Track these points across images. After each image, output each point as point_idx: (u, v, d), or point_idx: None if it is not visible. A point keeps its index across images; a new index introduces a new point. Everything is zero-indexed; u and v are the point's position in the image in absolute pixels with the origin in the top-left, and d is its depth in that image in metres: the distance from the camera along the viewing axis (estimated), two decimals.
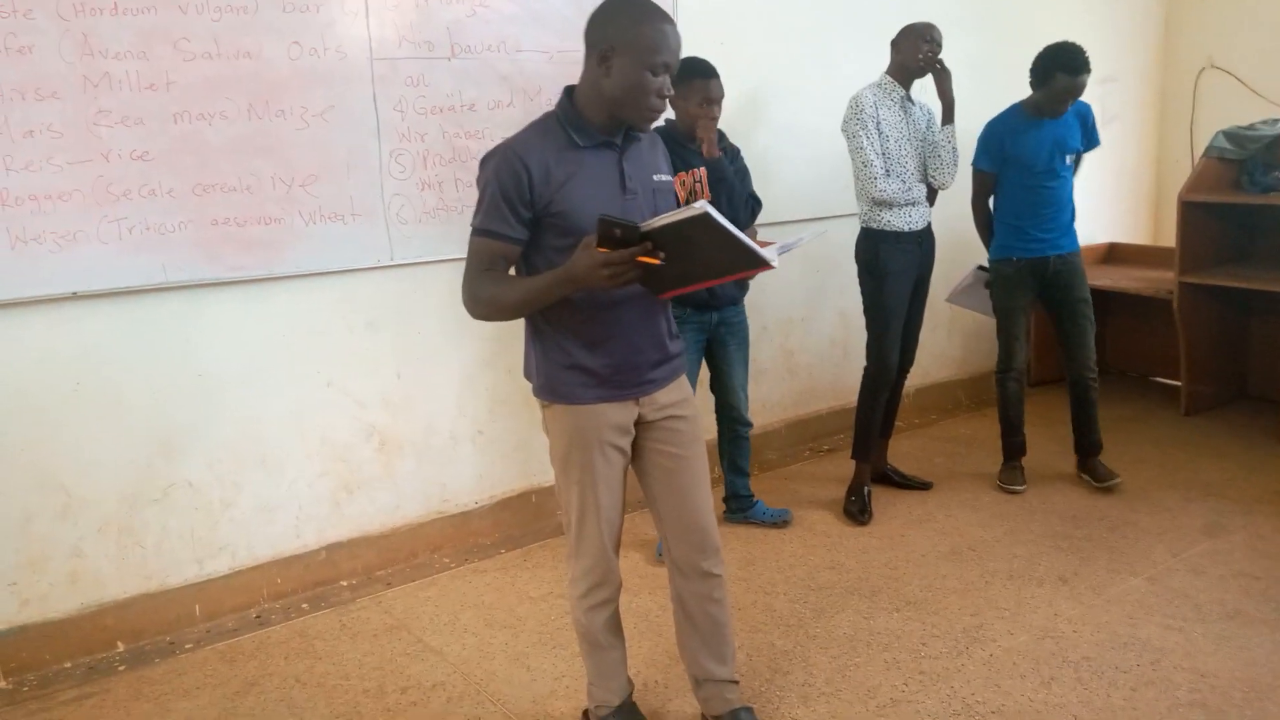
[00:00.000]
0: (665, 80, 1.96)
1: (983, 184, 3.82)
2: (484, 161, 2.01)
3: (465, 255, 3.12)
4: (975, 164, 3.81)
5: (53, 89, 2.62)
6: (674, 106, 3.20)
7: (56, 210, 2.66)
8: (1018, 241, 3.74)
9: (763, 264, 1.87)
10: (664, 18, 1.95)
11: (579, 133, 2.00)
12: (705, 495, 2.22)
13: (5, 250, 2.61)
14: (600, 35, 1.95)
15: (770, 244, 2.01)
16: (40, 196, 2.64)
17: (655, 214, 2.08)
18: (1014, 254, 3.76)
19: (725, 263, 1.91)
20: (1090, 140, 3.77)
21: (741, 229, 3.17)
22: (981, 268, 3.97)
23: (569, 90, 2.05)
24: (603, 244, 1.81)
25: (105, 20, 2.66)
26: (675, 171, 3.07)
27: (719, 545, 2.24)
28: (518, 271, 2.06)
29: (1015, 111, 3.75)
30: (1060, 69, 3.52)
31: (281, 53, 2.92)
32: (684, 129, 3.21)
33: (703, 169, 3.20)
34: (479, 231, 1.99)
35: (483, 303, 2.00)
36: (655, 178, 2.13)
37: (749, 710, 2.35)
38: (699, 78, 3.14)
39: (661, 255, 1.81)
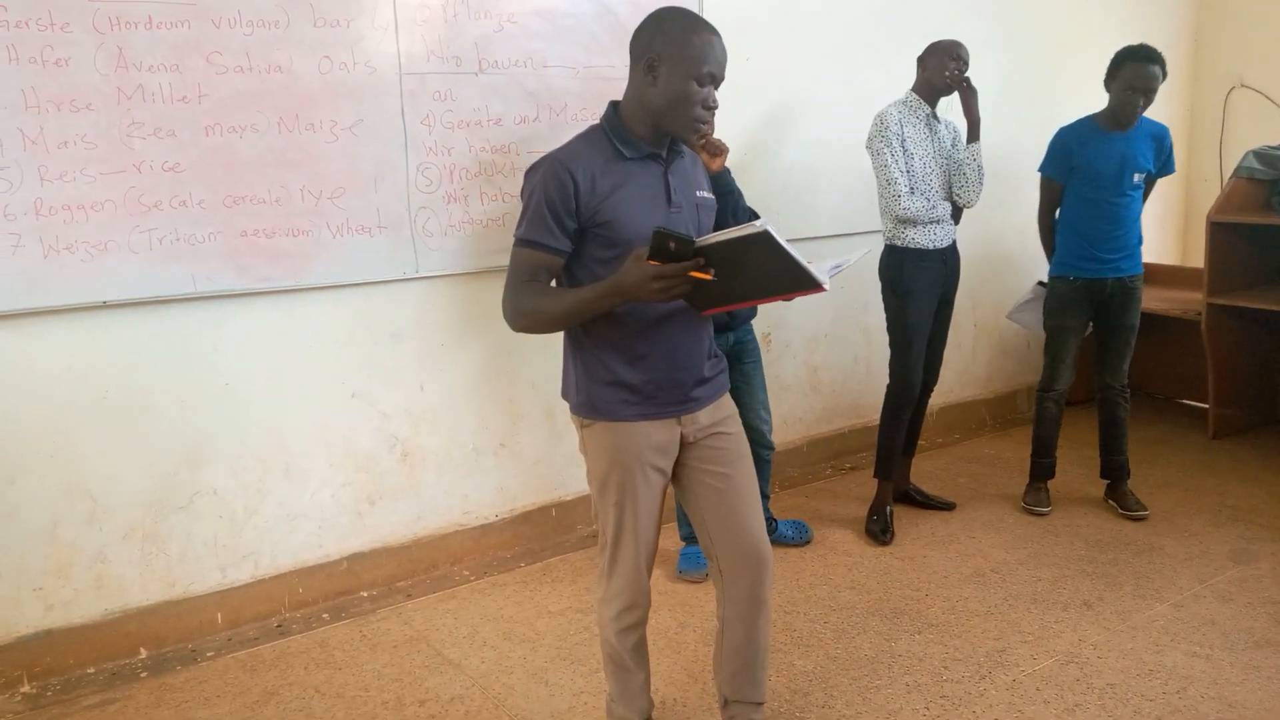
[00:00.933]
0: (711, 91, 1.97)
1: (1049, 192, 3.76)
2: (530, 172, 2.01)
3: (489, 268, 3.12)
4: (1041, 170, 3.77)
5: (87, 101, 2.65)
6: None
7: (89, 220, 2.70)
8: (1076, 260, 3.68)
9: (815, 286, 1.83)
10: (710, 29, 1.97)
11: (625, 144, 2.00)
12: (756, 512, 2.17)
13: (38, 259, 2.64)
14: (647, 45, 1.97)
15: (815, 262, 1.99)
16: (73, 206, 2.67)
17: (699, 229, 2.09)
18: (1072, 273, 3.69)
19: (775, 283, 1.88)
20: (1165, 165, 3.69)
21: None
22: (1041, 283, 3.91)
23: (615, 104, 2.06)
24: (654, 256, 1.80)
25: (140, 34, 2.69)
26: None
27: (771, 562, 2.18)
28: (558, 284, 2.05)
29: (1087, 122, 3.69)
30: (1129, 57, 3.50)
31: (312, 67, 2.95)
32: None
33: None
34: (522, 242, 1.98)
35: (525, 314, 1.98)
36: (699, 194, 2.13)
37: None
38: None
39: (712, 271, 1.80)
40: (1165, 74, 3.53)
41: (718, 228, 3.12)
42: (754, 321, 3.44)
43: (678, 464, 2.14)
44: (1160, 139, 3.67)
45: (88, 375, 2.79)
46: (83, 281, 2.71)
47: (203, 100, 2.81)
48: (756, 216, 3.33)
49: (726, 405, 2.19)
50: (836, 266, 2.01)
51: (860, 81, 4.14)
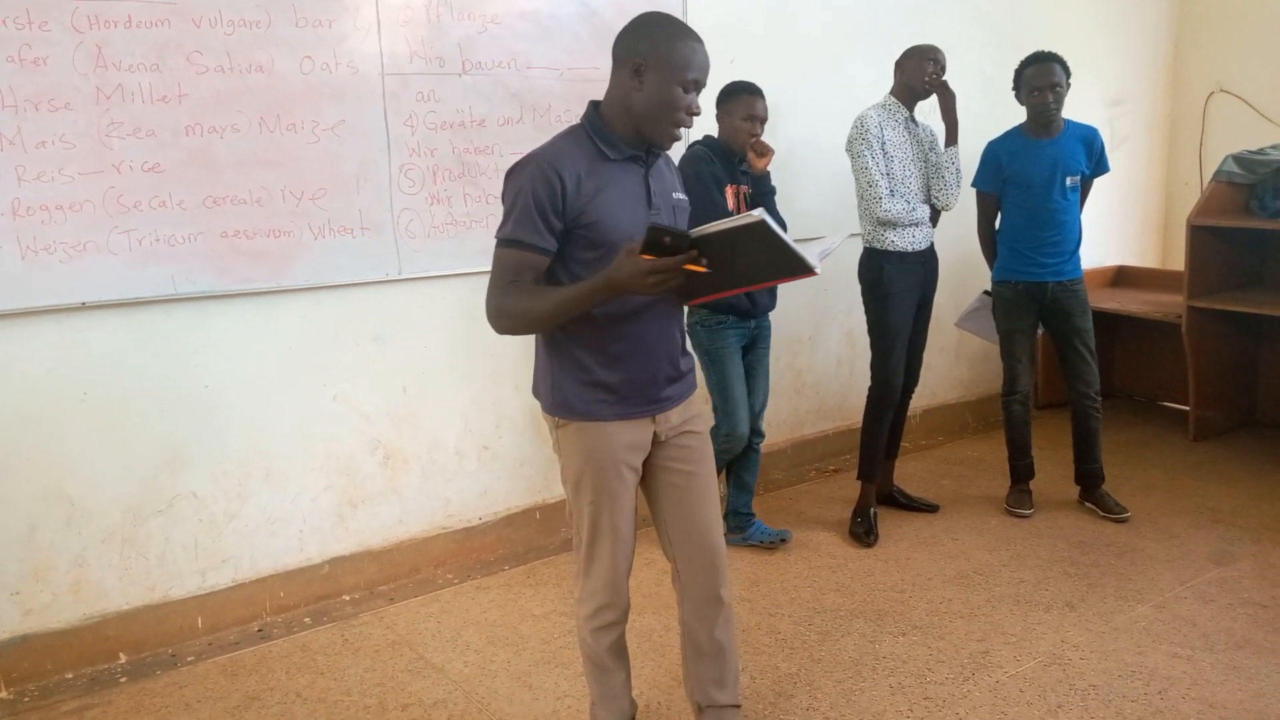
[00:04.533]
0: (694, 98, 1.99)
1: (984, 205, 3.83)
2: (512, 172, 2.00)
3: (472, 270, 3.11)
4: (975, 184, 3.82)
5: (66, 100, 2.63)
6: (720, 122, 3.34)
7: (67, 220, 2.67)
8: (1017, 264, 3.73)
9: (806, 270, 1.88)
10: (695, 37, 1.99)
11: (609, 145, 2.01)
12: (715, 514, 2.19)
13: (15, 260, 2.62)
14: (633, 49, 1.97)
15: (803, 246, 2.01)
16: (51, 207, 2.65)
17: None
18: (1013, 277, 3.75)
19: (766, 270, 1.93)
20: (1098, 166, 3.75)
21: None
22: (987, 292, 3.96)
23: (595, 104, 2.06)
24: (648, 250, 1.80)
25: (119, 33, 2.67)
26: (724, 184, 3.26)
27: (727, 565, 2.21)
28: (540, 285, 2.05)
29: (1014, 133, 3.76)
30: (1028, 63, 3.63)
31: (293, 67, 2.93)
32: (729, 144, 3.31)
33: (745, 186, 3.32)
34: (507, 242, 1.96)
35: (511, 315, 1.97)
36: (675, 195, 2.15)
37: None
38: (746, 94, 3.29)
39: (705, 263, 1.82)
40: (1068, 73, 3.62)
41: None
42: None
43: (646, 459, 2.15)
44: (1090, 140, 3.72)
45: (66, 377, 2.76)
46: (61, 282, 2.69)
47: (183, 100, 2.79)
48: (784, 225, 3.39)
49: (695, 403, 2.22)
50: (825, 250, 2.05)
51: (840, 85, 4.16)
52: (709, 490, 2.18)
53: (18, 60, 2.56)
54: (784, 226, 3.41)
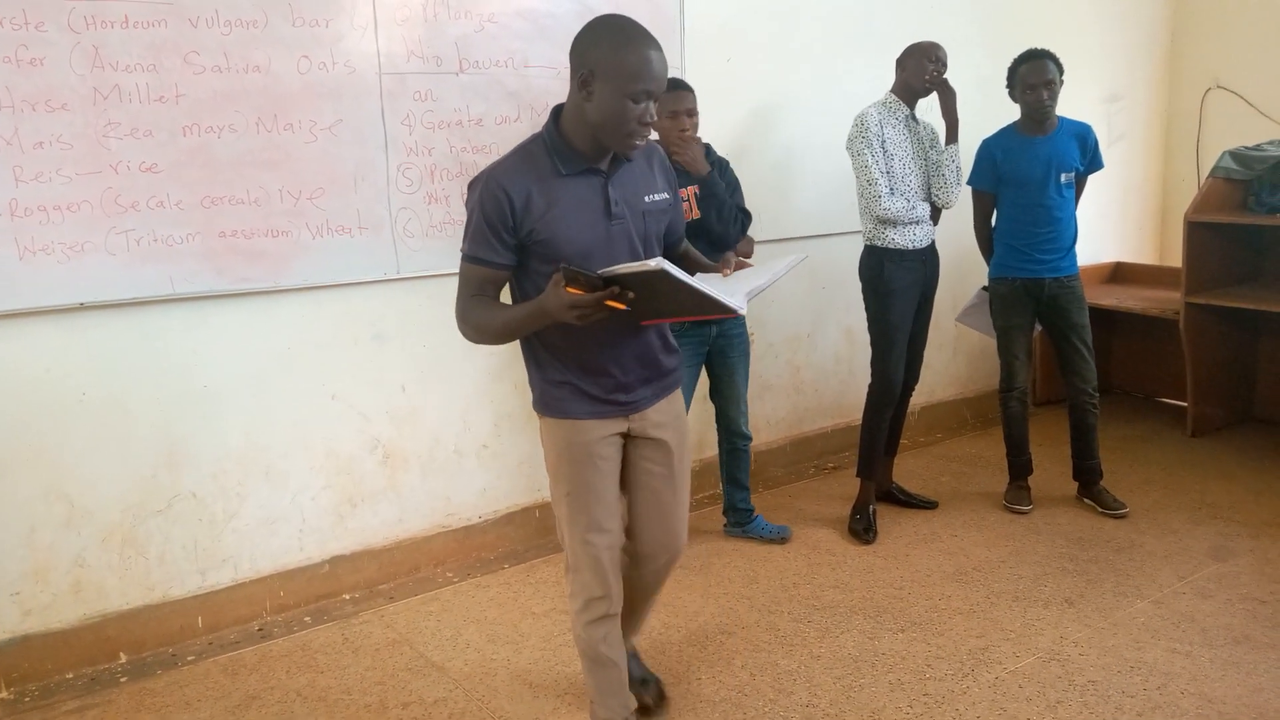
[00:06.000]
0: (648, 107, 1.93)
1: (980, 203, 3.83)
2: (471, 186, 2.03)
3: None
4: (970, 182, 3.82)
5: (63, 101, 2.63)
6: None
7: (65, 221, 2.67)
8: (1014, 261, 3.73)
9: (728, 311, 1.89)
10: (648, 43, 1.91)
11: (563, 160, 1.99)
12: (683, 518, 2.32)
13: (13, 260, 2.62)
14: (581, 59, 1.93)
15: (739, 280, 2.03)
16: (49, 207, 2.64)
17: (644, 236, 2.09)
18: (1010, 273, 3.76)
19: (693, 305, 1.92)
20: (1092, 162, 3.75)
21: (731, 244, 3.18)
22: (985, 288, 3.97)
23: (556, 112, 2.03)
24: (570, 284, 1.82)
25: (116, 33, 2.67)
26: None
27: (677, 564, 2.38)
28: (511, 291, 2.10)
29: (1008, 130, 3.77)
30: (1021, 61, 3.63)
31: (290, 67, 2.93)
32: (665, 145, 3.15)
33: (692, 186, 3.18)
34: (467, 257, 2.03)
35: (472, 326, 2.05)
36: (647, 199, 2.10)
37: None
38: (668, 90, 3.10)
39: (630, 297, 1.83)
40: (1061, 70, 3.62)
41: (705, 230, 3.14)
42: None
43: (624, 449, 2.20)
44: (1084, 137, 3.73)
45: (65, 378, 2.76)
46: (59, 283, 2.69)
47: (180, 100, 2.78)
48: (747, 216, 3.34)
49: (676, 403, 2.24)
50: (757, 288, 2.00)
51: (840, 83, 4.15)
52: (682, 490, 2.29)
53: (14, 61, 2.56)
54: (748, 219, 3.32)
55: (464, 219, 3.38)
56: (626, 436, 2.18)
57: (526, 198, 1.96)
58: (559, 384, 2.11)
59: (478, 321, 2.03)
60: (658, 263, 1.75)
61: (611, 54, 1.89)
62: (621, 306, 1.83)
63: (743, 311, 1.90)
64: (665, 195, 2.15)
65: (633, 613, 2.44)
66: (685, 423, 2.28)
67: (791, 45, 4.05)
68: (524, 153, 2.03)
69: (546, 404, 2.15)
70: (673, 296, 1.87)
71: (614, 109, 1.91)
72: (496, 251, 1.99)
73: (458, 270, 2.06)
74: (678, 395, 2.25)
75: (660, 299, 1.88)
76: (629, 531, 2.29)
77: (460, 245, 2.04)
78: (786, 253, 2.27)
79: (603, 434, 2.13)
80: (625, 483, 2.25)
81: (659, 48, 1.93)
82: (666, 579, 2.43)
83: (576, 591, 2.21)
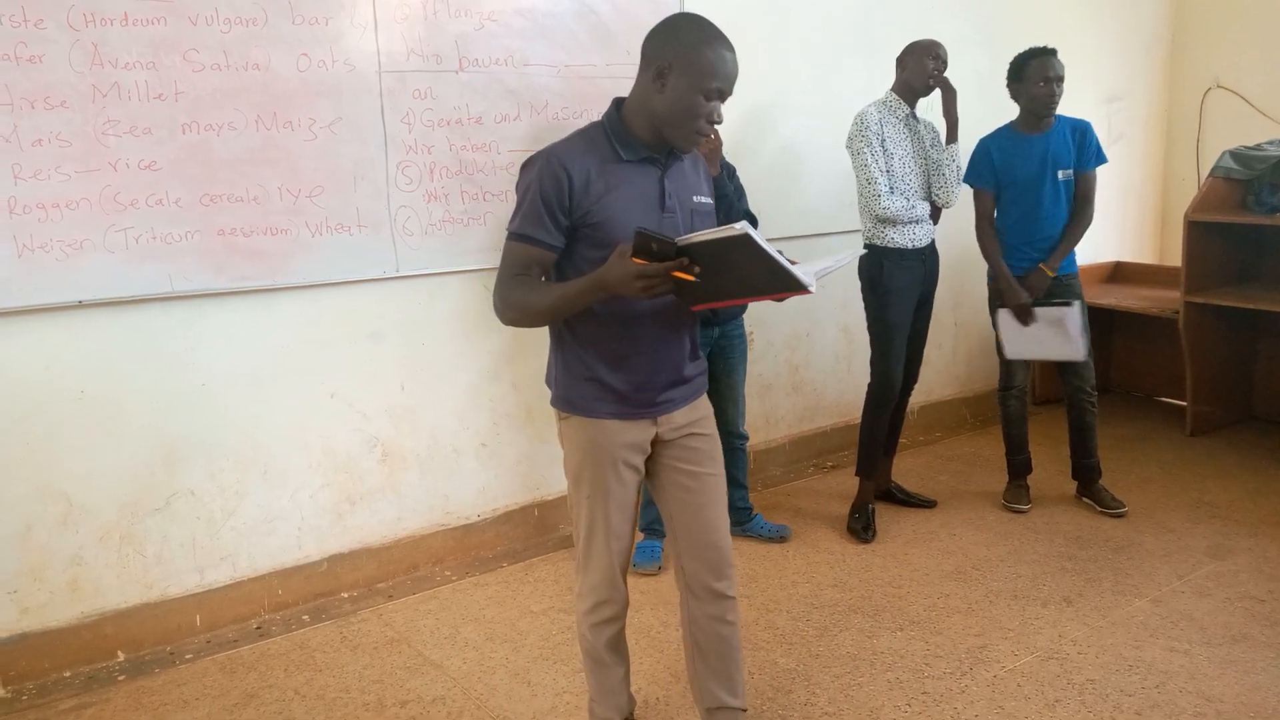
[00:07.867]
0: (717, 106, 1.96)
1: (980, 202, 3.80)
2: (526, 166, 2.01)
3: (470, 268, 3.11)
4: (967, 181, 3.80)
5: (62, 98, 2.63)
6: None
7: (64, 219, 2.67)
8: (1012, 259, 3.72)
9: (800, 288, 1.83)
10: (726, 43, 1.96)
11: (624, 146, 2.00)
12: (722, 515, 2.19)
13: (12, 258, 2.61)
14: (659, 51, 1.95)
15: (802, 264, 1.96)
16: (48, 205, 2.64)
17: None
18: (1012, 272, 3.74)
19: (761, 283, 1.88)
20: (1096, 156, 3.72)
21: None
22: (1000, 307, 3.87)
23: (618, 102, 2.05)
24: (638, 255, 1.80)
25: (115, 30, 2.67)
26: None
27: (733, 565, 2.21)
28: (548, 280, 2.05)
29: (1005, 129, 3.75)
30: (1032, 56, 3.59)
31: (290, 65, 2.93)
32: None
33: None
34: (516, 236, 1.98)
35: (513, 307, 1.99)
36: (696, 199, 2.11)
37: None
38: None
39: (697, 270, 1.80)
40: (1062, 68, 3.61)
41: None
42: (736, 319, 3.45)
43: (652, 459, 2.15)
44: (1083, 132, 3.70)
45: (63, 376, 2.76)
46: (57, 281, 2.68)
47: (179, 98, 2.78)
48: (753, 220, 3.35)
49: (703, 406, 2.20)
50: (825, 269, 2.00)
51: (840, 82, 4.15)
52: (717, 490, 2.18)
53: (13, 58, 2.55)
54: (754, 223, 3.36)
55: (463, 217, 3.41)
56: (654, 444, 2.12)
57: (586, 178, 1.94)
58: (585, 380, 2.05)
59: (521, 301, 1.97)
60: (743, 226, 1.71)
61: (691, 49, 1.92)
62: (690, 278, 1.80)
63: (813, 290, 1.84)
64: (709, 199, 2.17)
65: (715, 669, 2.21)
66: (714, 425, 2.21)
67: (792, 44, 4.05)
68: (584, 136, 2.03)
69: (570, 402, 2.09)
70: (744, 270, 1.83)
71: (686, 103, 1.93)
72: (548, 231, 1.95)
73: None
74: (705, 399, 2.22)
75: (728, 274, 1.84)
76: (674, 551, 2.20)
77: (508, 225, 2.00)
78: (811, 257, 2.25)
79: (628, 440, 2.08)
80: (658, 491, 2.19)
81: (734, 50, 1.97)
82: (731, 611, 2.20)
83: (585, 593, 2.19)
